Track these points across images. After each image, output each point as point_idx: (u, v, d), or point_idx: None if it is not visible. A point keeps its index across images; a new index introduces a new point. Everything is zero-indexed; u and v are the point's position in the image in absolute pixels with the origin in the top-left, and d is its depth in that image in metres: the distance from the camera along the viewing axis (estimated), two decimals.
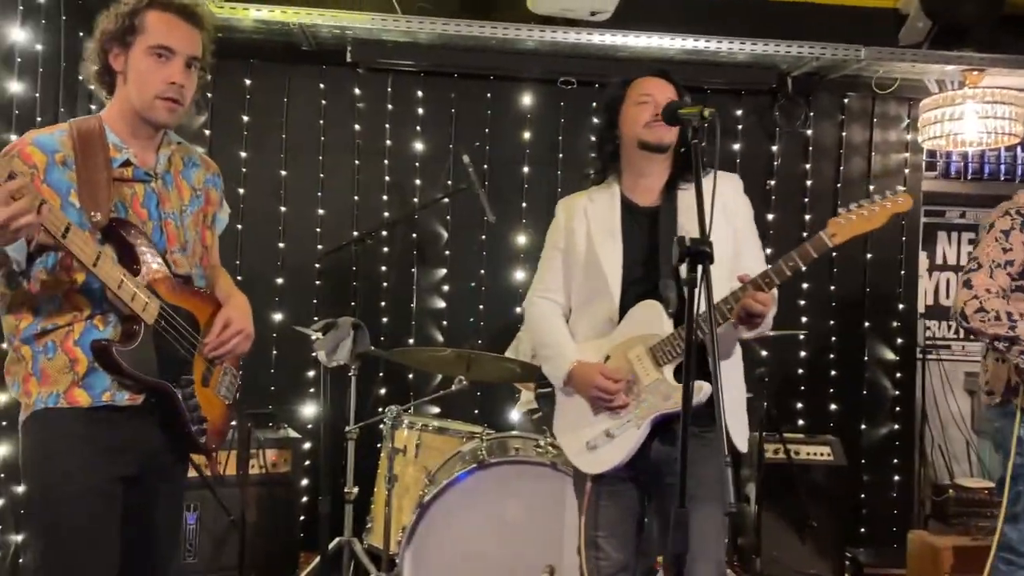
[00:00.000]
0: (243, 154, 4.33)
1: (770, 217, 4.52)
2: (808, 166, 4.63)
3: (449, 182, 4.34)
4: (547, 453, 3.02)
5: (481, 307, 4.45)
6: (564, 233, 2.40)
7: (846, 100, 4.62)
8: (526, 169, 4.48)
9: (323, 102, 4.38)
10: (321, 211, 4.38)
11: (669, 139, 2.27)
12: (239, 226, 4.31)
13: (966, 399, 4.85)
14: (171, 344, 1.87)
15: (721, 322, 2.14)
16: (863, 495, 4.59)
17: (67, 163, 1.80)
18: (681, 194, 2.28)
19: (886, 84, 4.52)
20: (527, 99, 4.48)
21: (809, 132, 4.60)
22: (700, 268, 1.89)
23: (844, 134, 4.65)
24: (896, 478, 4.63)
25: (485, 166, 4.40)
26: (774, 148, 4.59)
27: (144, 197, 1.91)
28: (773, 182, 4.58)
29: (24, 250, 1.73)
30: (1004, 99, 4.16)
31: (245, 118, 4.33)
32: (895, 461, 4.63)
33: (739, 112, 4.57)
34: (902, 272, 4.69)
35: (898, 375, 4.62)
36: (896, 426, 4.63)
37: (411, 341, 4.36)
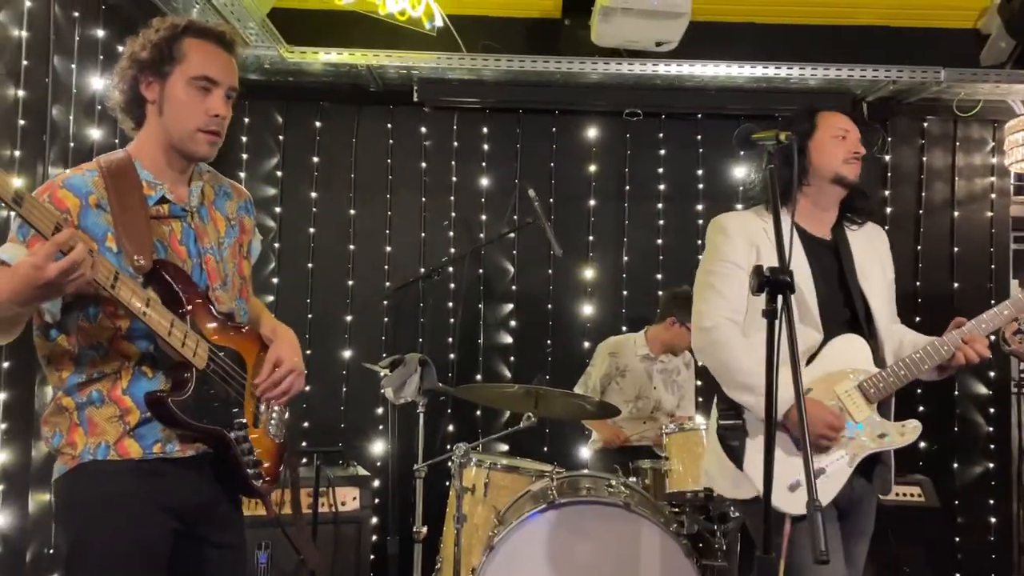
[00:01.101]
0: (313, 194, 4.41)
1: None
2: (888, 192, 4.46)
3: (515, 217, 4.33)
4: (619, 493, 2.92)
5: (549, 342, 4.40)
6: (745, 250, 2.24)
7: (926, 124, 4.45)
8: (592, 202, 4.44)
9: (390, 141, 4.44)
10: (389, 248, 4.41)
11: (858, 176, 2.30)
12: (309, 265, 4.37)
13: None
14: (222, 387, 1.79)
15: (923, 370, 2.17)
16: (958, 538, 4.32)
17: (101, 205, 1.70)
18: (851, 234, 2.31)
19: (968, 107, 4.34)
20: (592, 132, 4.45)
21: (887, 157, 4.44)
22: (780, 299, 1.82)
23: (925, 159, 4.47)
24: (992, 520, 4.35)
25: (551, 200, 4.38)
26: None
27: (182, 234, 1.82)
28: None
29: (60, 302, 1.65)
30: None
31: (315, 159, 4.42)
32: (991, 502, 4.35)
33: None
34: (992, 301, 4.44)
35: (991, 410, 4.37)
36: (991, 464, 4.36)
37: (479, 377, 4.33)
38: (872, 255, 2.30)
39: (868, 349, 2.18)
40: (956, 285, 4.44)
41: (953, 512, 4.31)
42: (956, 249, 4.43)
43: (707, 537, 3.15)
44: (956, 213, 4.46)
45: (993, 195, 4.49)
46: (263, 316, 2.06)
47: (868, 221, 2.35)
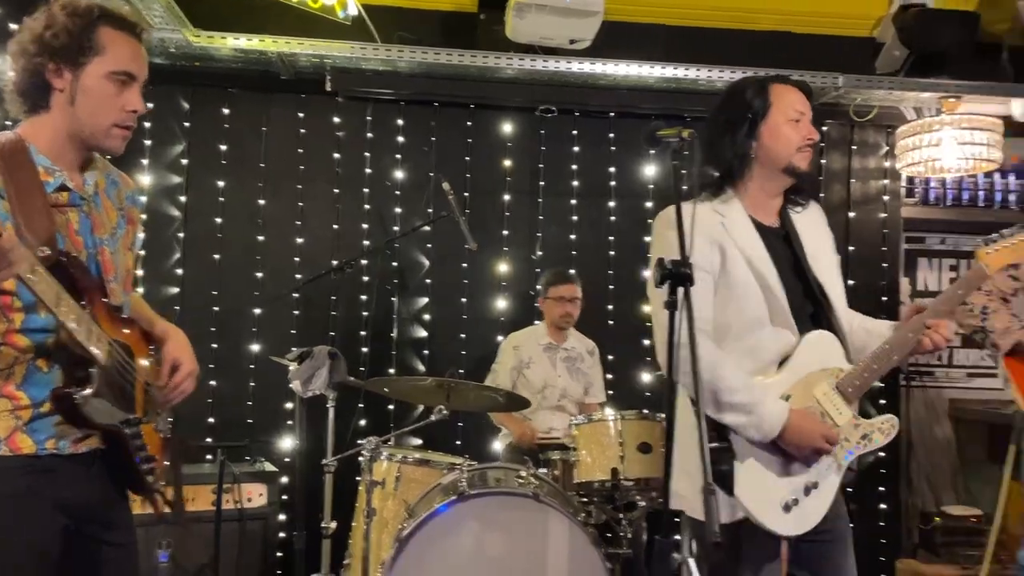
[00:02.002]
0: (220, 183, 4.29)
1: None
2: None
3: (430, 210, 4.31)
4: (529, 484, 2.95)
5: (463, 336, 4.40)
6: (711, 252, 2.04)
7: (825, 128, 4.64)
8: (507, 197, 4.47)
9: (302, 131, 4.35)
10: (300, 240, 4.33)
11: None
12: (216, 256, 4.25)
13: (951, 426, 4.82)
14: (119, 383, 1.74)
15: (894, 361, 2.06)
16: (850, 524, 4.51)
17: None
18: (796, 217, 2.17)
19: (864, 112, 4.55)
20: (507, 127, 4.48)
21: None
22: (681, 291, 1.86)
23: (824, 161, 4.67)
24: (883, 507, 4.58)
25: (466, 194, 4.38)
26: None
27: (79, 224, 1.74)
28: None
29: None
30: (981, 125, 4.19)
31: (223, 147, 4.30)
32: (881, 489, 4.58)
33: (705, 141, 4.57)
34: (884, 299, 4.69)
35: (882, 402, 4.60)
36: (882, 454, 4.59)
37: (392, 371, 4.30)
38: (819, 238, 2.17)
39: (839, 344, 2.06)
40: (851, 282, 4.65)
41: (845, 499, 4.49)
42: (851, 248, 4.64)
43: (614, 526, 3.22)
44: (852, 214, 4.68)
45: (886, 197, 4.73)
46: (144, 310, 2.00)
47: (811, 203, 2.21)
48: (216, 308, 4.23)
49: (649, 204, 4.54)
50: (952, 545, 4.16)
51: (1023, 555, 2.74)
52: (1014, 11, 4.15)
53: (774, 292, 2.03)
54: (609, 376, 4.32)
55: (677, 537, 1.84)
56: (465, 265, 4.39)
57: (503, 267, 4.44)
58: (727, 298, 2.05)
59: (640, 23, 4.44)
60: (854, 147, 4.70)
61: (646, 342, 4.45)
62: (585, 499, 3.30)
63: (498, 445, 4.12)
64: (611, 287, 4.51)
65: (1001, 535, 3.43)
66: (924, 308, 2.07)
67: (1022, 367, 2.70)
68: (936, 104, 4.34)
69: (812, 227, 2.18)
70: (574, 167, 4.53)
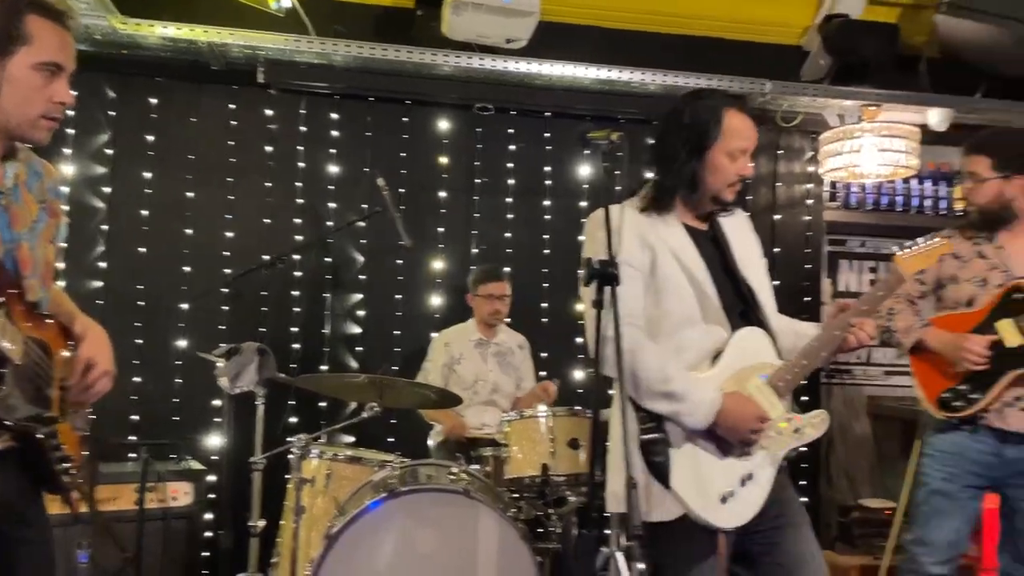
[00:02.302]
0: (147, 174, 4.18)
1: None
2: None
3: (364, 206, 4.28)
4: (460, 480, 2.96)
5: (397, 333, 4.39)
6: (641, 251, 2.11)
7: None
8: (442, 194, 4.46)
9: (233, 122, 4.27)
10: (229, 234, 4.24)
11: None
12: (141, 249, 4.15)
13: (869, 422, 5.01)
14: (35, 382, 1.69)
15: (822, 356, 2.11)
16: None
17: None
18: (723, 221, 2.23)
19: (790, 117, 4.69)
20: (444, 124, 4.47)
21: None
22: (608, 290, 1.92)
23: (751, 165, 4.78)
24: (803, 500, 4.70)
25: (401, 190, 4.36)
26: None
27: None
28: None
29: None
30: (900, 133, 4.37)
31: (149, 138, 4.19)
32: (802, 483, 4.73)
33: (651, 141, 4.62)
34: (807, 299, 4.84)
35: (803, 398, 4.75)
36: (804, 449, 4.72)
37: (324, 368, 4.26)
38: (746, 242, 2.25)
39: (769, 341, 2.12)
40: (776, 283, 4.75)
41: None
42: (777, 250, 4.78)
43: (544, 521, 3.26)
44: (777, 216, 4.82)
45: (810, 201, 4.88)
46: (65, 304, 1.94)
47: (736, 211, 2.28)
48: (141, 303, 4.13)
49: (584, 204, 4.60)
50: (868, 536, 4.33)
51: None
52: (931, 25, 4.33)
53: (705, 290, 2.09)
54: (542, 373, 4.36)
55: (609, 531, 1.88)
56: (400, 262, 4.38)
57: (438, 264, 4.44)
58: (659, 296, 2.11)
59: (575, 24, 4.49)
60: (780, 152, 4.84)
61: (579, 340, 4.50)
62: (516, 495, 3.33)
63: (431, 442, 4.12)
64: (545, 285, 4.55)
65: (905, 525, 3.58)
66: (848, 307, 2.14)
67: (925, 365, 2.82)
68: (858, 112, 4.49)
69: (739, 231, 2.26)
70: (510, 165, 4.55)
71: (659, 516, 2.00)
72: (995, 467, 2.69)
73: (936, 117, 4.50)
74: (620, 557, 2.14)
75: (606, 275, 1.93)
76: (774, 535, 2.09)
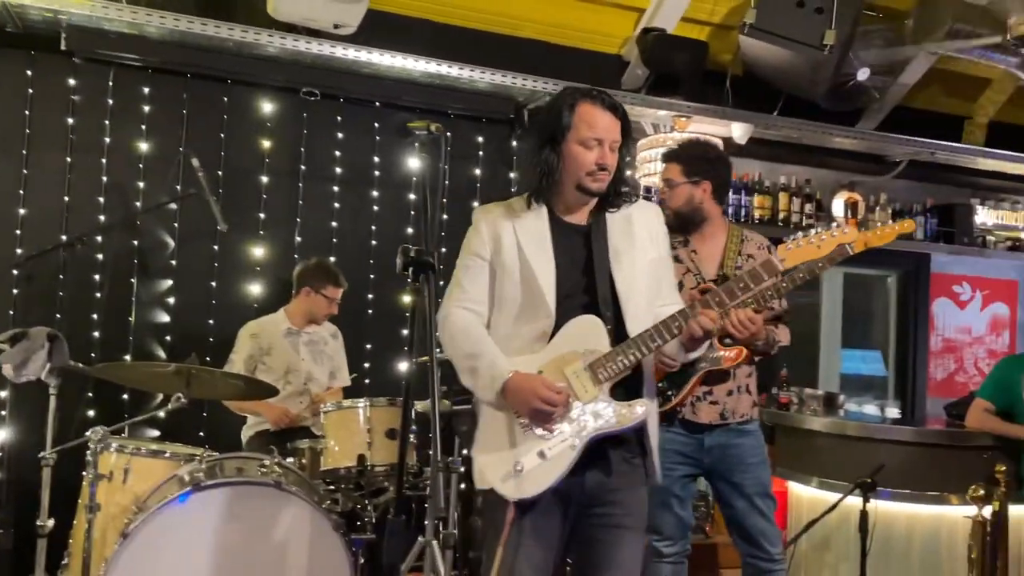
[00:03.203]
0: None
1: None
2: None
3: (178, 187, 4.06)
4: (271, 473, 2.89)
5: (211, 322, 4.20)
6: (490, 242, 2.22)
7: None
8: (264, 179, 4.32)
9: (30, 90, 3.92)
10: (23, 211, 3.90)
11: (605, 187, 2.19)
12: None
13: None
14: None
15: (652, 348, 2.12)
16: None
17: None
18: (610, 217, 2.24)
19: None
20: (268, 106, 4.32)
21: None
22: (423, 278, 1.96)
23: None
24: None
25: (220, 172, 4.18)
26: (512, 175, 4.80)
27: None
28: None
29: None
30: None
31: None
32: None
33: (480, 139, 4.73)
34: None
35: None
36: None
37: (128, 357, 4.00)
38: (629, 237, 2.23)
39: (603, 330, 2.14)
40: None
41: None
42: None
43: (359, 512, 3.24)
44: None
45: None
46: None
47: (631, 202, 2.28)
48: None
49: (412, 196, 4.60)
50: None
51: None
52: (736, 44, 4.69)
53: (536, 280, 2.16)
54: (367, 365, 4.33)
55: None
56: (216, 247, 4.19)
57: (258, 251, 4.29)
58: (498, 283, 2.22)
59: (406, 16, 4.49)
60: None
61: (404, 331, 4.51)
62: (332, 487, 3.29)
63: (244, 435, 3.98)
64: (372, 276, 4.51)
65: None
66: (698, 298, 2.19)
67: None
68: (670, 122, 4.79)
69: (625, 226, 2.25)
70: (337, 153, 4.47)
71: (479, 484, 2.16)
72: (699, 455, 2.96)
73: (738, 130, 4.88)
74: (436, 545, 2.21)
75: (421, 263, 1.97)
76: (598, 531, 2.17)
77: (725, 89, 4.97)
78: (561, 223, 2.24)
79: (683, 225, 3.03)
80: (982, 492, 3.49)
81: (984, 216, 5.92)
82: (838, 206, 5.46)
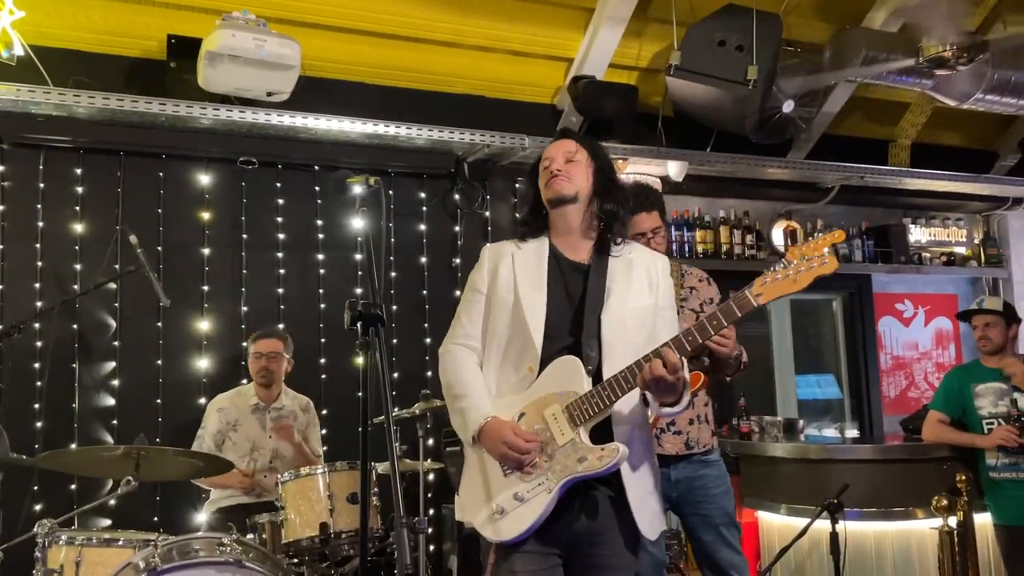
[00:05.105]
0: None
1: (456, 293, 4.72)
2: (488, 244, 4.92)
3: (116, 266, 3.98)
4: (232, 551, 2.78)
5: (159, 401, 4.08)
6: (488, 277, 2.28)
7: (517, 184, 4.99)
8: (206, 251, 4.26)
9: None
10: None
11: (567, 190, 2.25)
12: None
13: None
14: None
15: (626, 389, 2.05)
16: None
17: None
18: (612, 260, 2.25)
19: None
20: (205, 178, 4.29)
21: (487, 213, 4.90)
22: (372, 332, 1.93)
23: (518, 215, 5.03)
24: None
25: (159, 248, 4.12)
26: (456, 228, 4.81)
27: None
28: (458, 260, 4.79)
29: None
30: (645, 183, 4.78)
31: None
32: None
33: (422, 194, 4.75)
34: None
35: None
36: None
37: (73, 446, 3.85)
38: (626, 280, 2.23)
39: (582, 371, 2.10)
40: None
41: None
42: None
43: None
44: None
45: None
46: None
47: (632, 245, 2.31)
48: None
49: (358, 256, 4.58)
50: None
51: None
52: (664, 85, 4.83)
53: (524, 315, 2.17)
54: (324, 431, 4.24)
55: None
56: (159, 324, 4.09)
57: (204, 324, 4.20)
58: (488, 321, 2.25)
59: (340, 80, 4.53)
60: None
61: (359, 394, 4.42)
62: (295, 559, 3.18)
63: (202, 516, 3.84)
64: (323, 340, 4.45)
65: None
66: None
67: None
68: None
69: (626, 269, 2.24)
70: (279, 220, 4.44)
71: (461, 520, 2.21)
72: (667, 490, 2.89)
73: (674, 168, 4.99)
74: None
75: (369, 316, 1.94)
76: (587, 572, 2.14)
77: (658, 129, 5.10)
78: (562, 260, 2.26)
79: None
80: (945, 502, 3.53)
81: (918, 234, 6.13)
82: (777, 235, 5.61)
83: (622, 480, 2.11)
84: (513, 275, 2.24)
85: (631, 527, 2.13)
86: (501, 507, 2.08)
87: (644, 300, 2.23)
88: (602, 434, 2.11)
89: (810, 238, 2.06)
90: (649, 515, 2.16)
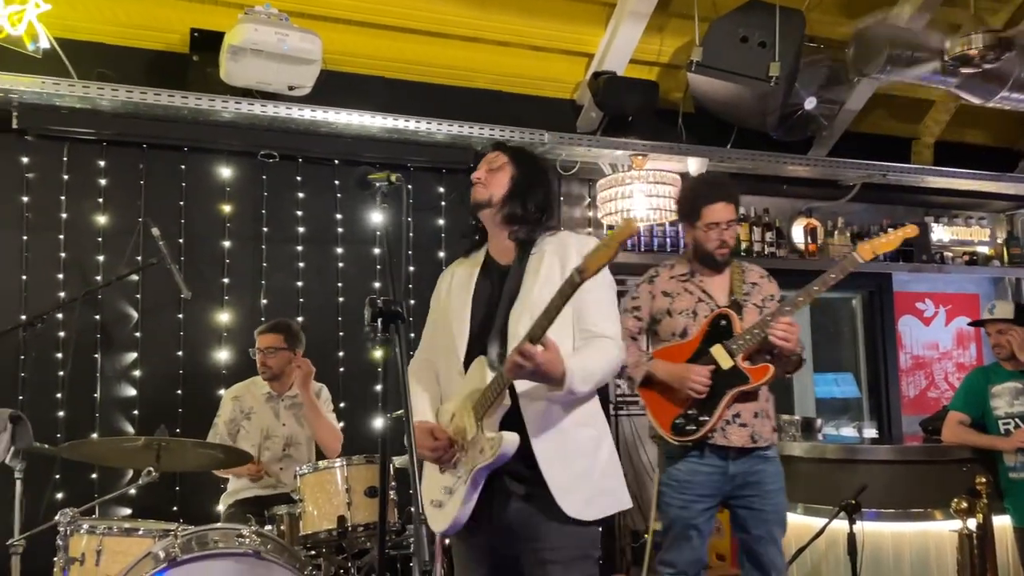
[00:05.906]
0: None
1: None
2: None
3: (139, 258, 4.02)
4: (250, 543, 2.81)
5: (179, 392, 4.12)
6: (434, 302, 2.48)
7: None
8: (227, 243, 4.29)
9: None
10: None
11: (481, 196, 2.35)
12: None
13: (654, 449, 5.31)
14: None
15: (504, 381, 2.11)
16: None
17: None
18: (532, 257, 2.29)
19: (569, 166, 4.99)
20: (226, 171, 4.32)
21: None
22: (393, 328, 1.95)
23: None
24: (599, 528, 4.91)
25: (181, 240, 4.15)
26: (474, 223, 4.80)
27: None
28: None
29: None
30: (665, 180, 4.76)
31: None
32: None
33: (441, 189, 4.76)
34: None
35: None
36: None
37: (95, 435, 3.90)
38: (534, 274, 2.25)
39: (486, 369, 2.19)
40: None
41: None
42: None
43: (343, 575, 3.16)
44: None
45: None
46: None
47: (553, 237, 2.31)
48: None
49: (377, 250, 4.59)
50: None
51: None
52: (685, 81, 4.80)
53: (450, 324, 2.34)
54: (341, 424, 4.26)
55: None
56: (180, 316, 4.13)
57: (224, 317, 4.24)
58: (435, 334, 2.45)
59: (361, 74, 4.54)
60: (562, 198, 5.12)
61: (377, 387, 4.45)
62: (313, 551, 3.20)
63: (221, 507, 3.88)
64: (341, 334, 4.48)
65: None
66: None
67: (654, 395, 3.11)
68: (628, 160, 4.86)
69: (538, 262, 2.27)
70: (299, 213, 4.46)
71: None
72: (721, 485, 3.00)
73: (694, 165, 4.96)
74: None
75: (389, 313, 1.95)
76: (526, 568, 2.21)
77: (678, 126, 5.07)
78: (491, 265, 2.38)
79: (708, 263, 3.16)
80: (965, 505, 3.50)
81: (940, 233, 6.06)
82: (797, 232, 5.56)
83: (538, 466, 2.15)
84: (449, 293, 2.41)
85: (558, 512, 2.14)
86: (439, 500, 2.27)
87: (552, 287, 2.10)
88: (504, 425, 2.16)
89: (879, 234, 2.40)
90: (581, 498, 2.17)
